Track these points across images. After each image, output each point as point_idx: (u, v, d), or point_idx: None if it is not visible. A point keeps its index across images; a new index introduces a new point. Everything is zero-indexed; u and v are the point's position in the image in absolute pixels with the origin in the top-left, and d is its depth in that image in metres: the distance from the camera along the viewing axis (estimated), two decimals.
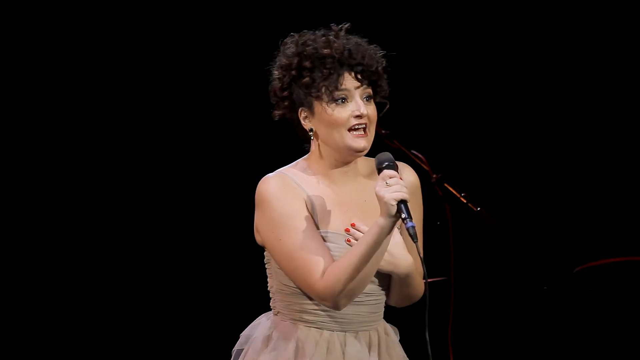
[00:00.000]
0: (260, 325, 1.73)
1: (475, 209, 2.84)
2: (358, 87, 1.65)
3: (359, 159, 1.74)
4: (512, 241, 3.27)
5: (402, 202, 1.53)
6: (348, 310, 1.65)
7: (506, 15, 3.95)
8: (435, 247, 3.95)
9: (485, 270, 3.48)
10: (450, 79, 3.95)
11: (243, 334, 1.77)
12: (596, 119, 3.87)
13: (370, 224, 1.62)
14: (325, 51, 1.65)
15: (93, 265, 3.63)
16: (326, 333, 1.67)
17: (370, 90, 1.67)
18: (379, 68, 1.70)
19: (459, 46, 4.53)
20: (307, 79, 1.65)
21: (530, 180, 3.90)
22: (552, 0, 3.93)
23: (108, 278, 3.63)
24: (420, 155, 2.86)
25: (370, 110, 1.67)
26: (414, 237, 1.54)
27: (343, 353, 1.64)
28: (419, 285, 1.77)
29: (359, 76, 1.67)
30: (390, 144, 2.90)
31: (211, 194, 3.62)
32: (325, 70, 1.65)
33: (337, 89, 1.65)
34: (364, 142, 1.67)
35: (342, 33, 1.71)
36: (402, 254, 1.68)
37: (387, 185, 1.54)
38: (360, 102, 1.65)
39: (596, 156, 3.82)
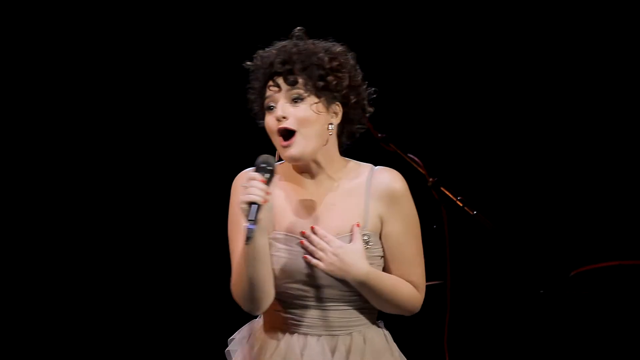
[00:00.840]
0: (246, 327, 1.76)
1: (471, 213, 2.84)
2: (279, 92, 1.63)
3: (350, 162, 1.73)
4: (509, 245, 3.26)
5: (252, 204, 1.51)
6: (313, 313, 1.65)
7: (502, 19, 3.95)
8: (431, 251, 3.95)
9: (481, 274, 3.48)
10: (447, 83, 3.95)
11: (234, 335, 1.79)
12: (592, 124, 3.87)
13: (335, 227, 1.62)
14: (257, 64, 1.66)
15: (91, 265, 3.62)
16: (288, 335, 1.67)
17: (298, 91, 1.62)
18: (310, 65, 1.63)
19: (456, 50, 4.53)
20: (250, 94, 1.68)
21: (527, 184, 3.90)
22: (547, 4, 3.93)
23: (106, 278, 3.62)
24: (416, 158, 2.86)
25: (297, 111, 1.62)
26: (247, 239, 1.52)
27: (301, 355, 1.63)
28: (402, 298, 1.70)
29: (280, 80, 1.64)
30: (386, 147, 2.89)
31: (210, 193, 3.61)
32: (255, 84, 1.66)
33: (263, 98, 1.66)
34: (288, 152, 1.63)
35: (293, 40, 1.68)
36: (354, 262, 1.62)
37: (246, 187, 1.53)
38: (281, 105, 1.62)
39: (591, 160, 3.82)
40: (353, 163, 1.76)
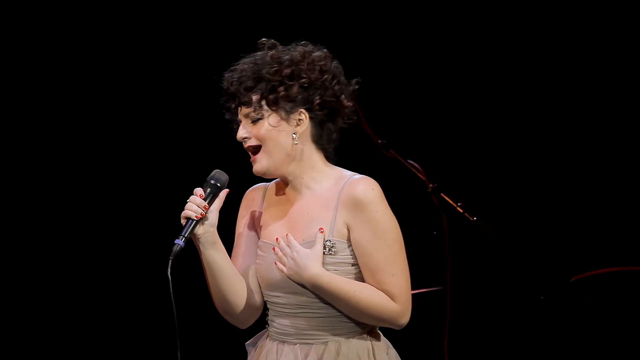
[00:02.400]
0: (262, 332, 1.81)
1: (471, 219, 2.84)
2: (241, 112, 1.65)
3: (334, 170, 1.73)
4: (509, 251, 3.26)
5: (187, 219, 1.55)
6: (285, 321, 1.66)
7: (500, 27, 3.96)
8: (431, 257, 3.96)
9: (481, 280, 3.48)
10: (447, 89, 3.95)
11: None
12: (591, 129, 3.88)
13: (304, 234, 1.64)
14: (224, 85, 1.67)
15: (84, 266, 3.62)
16: (270, 342, 1.70)
17: (249, 110, 1.63)
18: (260, 80, 1.62)
19: (457, 55, 4.54)
20: (225, 114, 1.70)
21: (527, 190, 3.90)
22: (543, 6, 3.94)
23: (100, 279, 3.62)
24: (416, 164, 2.86)
25: (255, 129, 1.63)
26: (171, 253, 1.55)
27: None
28: (370, 306, 1.67)
29: (233, 103, 1.65)
30: (386, 153, 2.90)
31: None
32: (227, 104, 1.68)
33: (230, 119, 1.68)
34: (254, 168, 1.66)
35: (260, 51, 1.68)
36: (305, 264, 1.61)
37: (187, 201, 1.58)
38: (242, 125, 1.64)
39: (591, 166, 3.83)
40: (337, 171, 1.74)
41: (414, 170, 2.88)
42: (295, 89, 1.63)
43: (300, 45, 1.70)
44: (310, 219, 1.69)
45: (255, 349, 1.77)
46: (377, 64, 4.70)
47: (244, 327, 1.76)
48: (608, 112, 3.87)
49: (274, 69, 1.62)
